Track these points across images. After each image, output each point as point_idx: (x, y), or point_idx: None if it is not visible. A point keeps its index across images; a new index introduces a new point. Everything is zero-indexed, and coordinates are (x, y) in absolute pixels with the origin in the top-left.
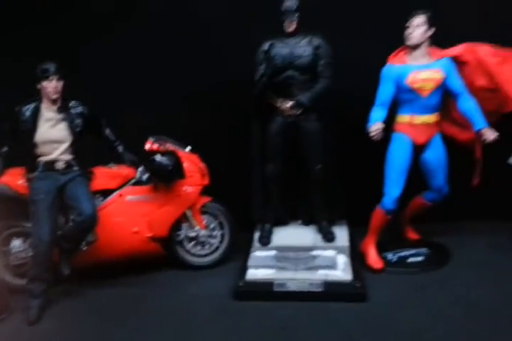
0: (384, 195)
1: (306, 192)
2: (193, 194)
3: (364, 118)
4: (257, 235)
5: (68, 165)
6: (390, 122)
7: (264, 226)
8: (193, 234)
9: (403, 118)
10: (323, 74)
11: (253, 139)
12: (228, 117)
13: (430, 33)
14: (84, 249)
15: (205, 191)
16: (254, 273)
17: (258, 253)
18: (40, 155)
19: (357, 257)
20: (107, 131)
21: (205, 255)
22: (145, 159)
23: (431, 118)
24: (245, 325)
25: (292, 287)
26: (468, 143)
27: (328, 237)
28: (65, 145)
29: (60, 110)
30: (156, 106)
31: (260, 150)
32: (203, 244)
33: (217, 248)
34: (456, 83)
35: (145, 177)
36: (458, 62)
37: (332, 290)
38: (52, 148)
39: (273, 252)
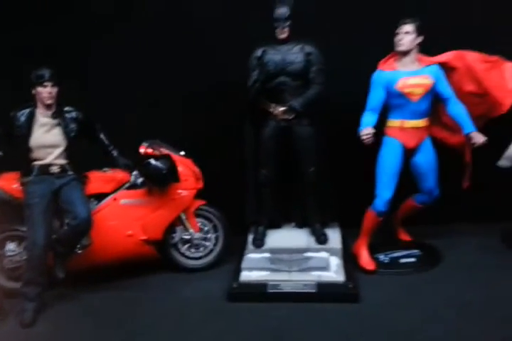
0: (375, 198)
1: (299, 195)
2: (188, 197)
3: (355, 123)
4: (250, 237)
5: (63, 169)
6: (381, 126)
7: (257, 228)
8: (187, 237)
9: (394, 122)
10: (315, 80)
11: (247, 143)
12: (222, 122)
13: (419, 40)
14: (79, 252)
15: (199, 194)
16: (248, 275)
17: (252, 256)
18: (34, 160)
19: (349, 259)
20: (102, 136)
21: (200, 257)
22: (139, 163)
23: (421, 122)
24: (240, 326)
25: (286, 288)
26: (458, 146)
27: (321, 239)
28: (59, 150)
29: (55, 115)
30: (150, 110)
31: (254, 154)
32: (197, 246)
33: (211, 250)
34: (445, 88)
35: (139, 181)
36: (447, 68)
37: (325, 291)
38: (47, 152)
39: (267, 254)
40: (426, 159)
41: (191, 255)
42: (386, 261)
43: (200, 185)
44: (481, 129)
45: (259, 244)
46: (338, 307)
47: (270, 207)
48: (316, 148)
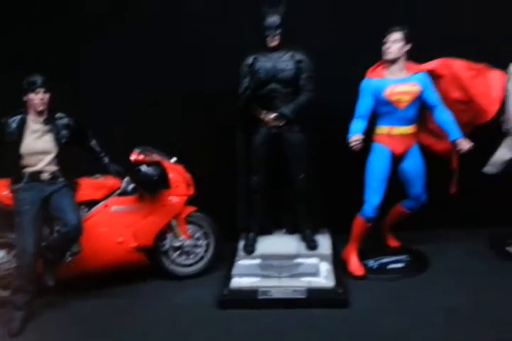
0: (364, 203)
1: (289, 202)
2: (178, 204)
3: (345, 130)
4: (241, 244)
5: (53, 176)
6: (369, 133)
7: (248, 235)
8: (178, 244)
9: (382, 129)
10: (305, 87)
11: (238, 150)
12: (213, 128)
13: (407, 48)
14: (69, 259)
15: (190, 201)
16: (238, 282)
17: (242, 262)
18: (25, 167)
19: (339, 264)
20: (93, 142)
21: (190, 265)
22: (131, 169)
23: (408, 129)
24: (231, 333)
25: (276, 294)
26: (444, 153)
27: (312, 245)
28: (50, 157)
29: (46, 122)
30: (141, 117)
31: (245, 161)
32: (187, 253)
33: (202, 257)
34: (432, 96)
35: (130, 187)
36: (434, 76)
37: (315, 297)
38: (38, 159)
39: (257, 260)
40: (413, 165)
41: (182, 262)
42: (375, 267)
43: (191, 191)
44: (467, 136)
45: (249, 250)
46: (328, 312)
47: (261, 213)
48: (306, 155)
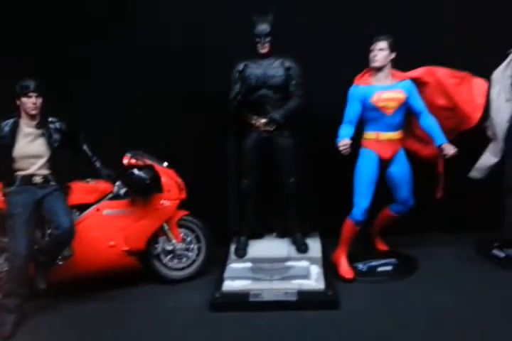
0: (353, 207)
1: (280, 206)
2: (170, 208)
3: (334, 135)
4: (233, 247)
5: (45, 179)
6: (357, 138)
7: (240, 238)
8: (169, 248)
9: (369, 135)
10: (295, 93)
11: (229, 154)
12: (204, 133)
13: (392, 56)
14: (60, 263)
15: (182, 205)
16: (230, 285)
17: (234, 265)
18: (17, 170)
19: (329, 267)
20: (85, 147)
21: (182, 268)
22: (123, 173)
23: (395, 135)
24: (223, 335)
25: (267, 297)
26: (430, 158)
27: (302, 249)
28: (42, 160)
29: (39, 125)
30: (133, 122)
31: (236, 165)
32: (179, 257)
33: (193, 261)
34: (417, 102)
35: (122, 191)
36: (419, 83)
37: (306, 299)
38: (30, 163)
39: (249, 264)
40: (400, 170)
41: (174, 266)
42: (364, 270)
43: (183, 195)
44: (453, 142)
45: (241, 253)
46: (318, 314)
47: (252, 217)
48: (296, 159)
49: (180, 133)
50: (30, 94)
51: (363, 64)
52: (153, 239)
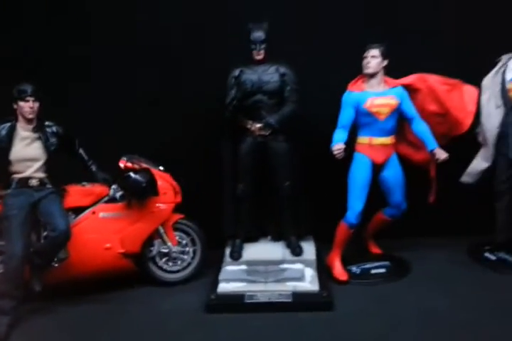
0: (348, 210)
1: (275, 210)
2: (166, 211)
3: (328, 140)
4: (228, 250)
5: (42, 182)
6: (351, 143)
7: (235, 241)
8: (165, 250)
9: (363, 139)
10: (290, 98)
11: (224, 158)
12: (200, 138)
13: (385, 63)
14: (56, 266)
15: (177, 208)
16: (225, 287)
17: (229, 268)
18: (14, 173)
19: (323, 270)
20: (81, 150)
21: (177, 271)
22: (119, 176)
23: (388, 140)
24: (218, 337)
25: (262, 298)
26: (423, 162)
27: (297, 251)
28: (39, 164)
29: (36, 129)
30: (128, 126)
31: (231, 169)
32: (175, 260)
33: (189, 264)
34: (409, 108)
35: (118, 194)
36: (411, 89)
37: (300, 301)
38: (27, 166)
39: (244, 266)
40: (393, 174)
41: (169, 268)
42: (358, 272)
43: (179, 199)
44: (444, 147)
45: (236, 256)
46: (313, 315)
47: (247, 220)
48: (290, 163)
49: (175, 137)
50: (28, 98)
51: (356, 70)
52: (148, 242)
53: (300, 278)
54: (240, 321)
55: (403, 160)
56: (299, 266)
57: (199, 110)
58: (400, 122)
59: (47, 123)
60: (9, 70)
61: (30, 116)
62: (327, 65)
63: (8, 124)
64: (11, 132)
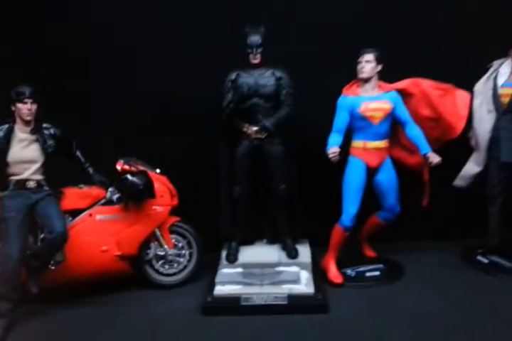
0: (342, 213)
1: (271, 213)
2: (163, 214)
3: (323, 143)
4: (224, 253)
5: (39, 184)
6: (346, 147)
7: (231, 244)
8: (161, 253)
9: (357, 143)
10: (286, 102)
11: (221, 161)
12: (197, 140)
13: (379, 68)
14: (52, 268)
15: (174, 211)
16: (221, 289)
17: (225, 270)
18: (11, 175)
19: (318, 273)
20: (78, 153)
21: (173, 274)
22: (117, 178)
23: (382, 144)
24: (214, 339)
25: (258, 301)
26: (416, 166)
27: (292, 254)
28: (36, 166)
29: (33, 131)
30: (125, 129)
31: (227, 172)
32: (171, 262)
33: (185, 266)
34: (403, 113)
35: (115, 197)
36: (404, 94)
37: (296, 303)
38: (24, 168)
39: (240, 269)
40: (387, 177)
41: (165, 271)
42: (353, 275)
43: (175, 202)
44: (438, 152)
45: (232, 259)
46: (308, 317)
47: (243, 223)
48: (286, 166)
49: (172, 140)
50: (26, 100)
51: (351, 75)
52: (145, 245)
53: (295, 280)
54: (236, 323)
55: (397, 163)
56: (294, 268)
57: (196, 113)
58: (393, 126)
59: (45, 125)
60: (9, 70)
61: (28, 118)
62: (322, 69)
63: (6, 126)
64: (9, 134)
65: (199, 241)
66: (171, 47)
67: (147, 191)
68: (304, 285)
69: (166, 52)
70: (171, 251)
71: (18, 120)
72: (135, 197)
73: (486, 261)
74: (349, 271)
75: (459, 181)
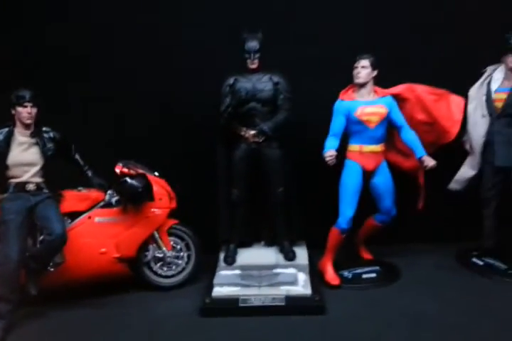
0: (339, 216)
1: (268, 215)
2: (161, 216)
3: (320, 147)
4: (222, 255)
5: (38, 187)
6: (342, 151)
7: (229, 246)
8: (160, 255)
9: (354, 147)
10: (283, 106)
11: (219, 165)
12: (195, 143)
13: (374, 73)
14: (51, 270)
15: (172, 214)
16: (219, 291)
17: (223, 272)
18: (11, 177)
19: (316, 275)
20: (77, 156)
21: (172, 276)
22: (116, 181)
23: (378, 147)
24: (213, 340)
25: (256, 302)
26: (411, 170)
27: (290, 256)
28: (36, 168)
29: (33, 134)
30: (124, 132)
31: (225, 175)
32: (169, 264)
33: (183, 269)
34: (398, 117)
35: (114, 199)
36: (399, 99)
37: (293, 304)
38: (24, 170)
39: (238, 271)
40: (383, 181)
41: (164, 273)
42: (349, 277)
43: (174, 204)
44: (432, 156)
45: (230, 261)
46: (305, 319)
47: (241, 226)
48: (284, 170)
49: (171, 143)
50: (26, 103)
51: (347, 80)
52: (143, 247)
53: (293, 282)
54: (235, 324)
55: (393, 167)
56: (291, 270)
57: (194, 117)
58: (389, 131)
59: (44, 128)
60: (9, 70)
61: (28, 122)
62: (319, 74)
63: (6, 129)
64: (9, 137)
65: (197, 244)
66: (171, 47)
67: (146, 194)
68: (302, 286)
69: (166, 52)
70: (170, 253)
71: (18, 123)
72: (134, 199)
73: (481, 263)
74: (346, 273)
75: (454, 184)
